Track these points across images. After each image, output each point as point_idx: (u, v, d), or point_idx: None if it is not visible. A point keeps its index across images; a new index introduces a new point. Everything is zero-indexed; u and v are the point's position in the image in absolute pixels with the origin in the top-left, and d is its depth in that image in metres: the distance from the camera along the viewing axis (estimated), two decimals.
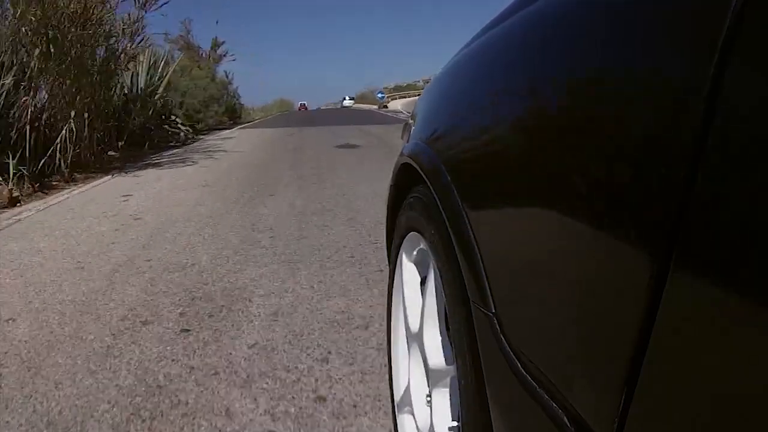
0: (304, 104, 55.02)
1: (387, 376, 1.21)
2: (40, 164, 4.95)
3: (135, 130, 7.93)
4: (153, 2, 6.96)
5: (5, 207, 3.92)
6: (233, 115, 18.90)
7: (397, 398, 1.11)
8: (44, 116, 5.29)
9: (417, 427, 0.96)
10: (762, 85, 0.28)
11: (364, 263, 2.36)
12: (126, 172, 5.73)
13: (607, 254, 0.38)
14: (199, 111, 13.41)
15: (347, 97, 55.83)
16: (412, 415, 0.99)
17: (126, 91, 8.15)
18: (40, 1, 4.98)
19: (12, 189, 4.11)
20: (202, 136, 11.20)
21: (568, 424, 0.42)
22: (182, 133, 9.88)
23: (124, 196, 4.29)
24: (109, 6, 6.06)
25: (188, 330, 1.77)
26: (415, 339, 0.98)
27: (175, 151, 8.13)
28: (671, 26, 0.36)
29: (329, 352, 1.58)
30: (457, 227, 0.67)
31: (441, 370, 0.85)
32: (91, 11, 5.60)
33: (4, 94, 5.02)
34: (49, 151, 5.14)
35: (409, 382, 1.02)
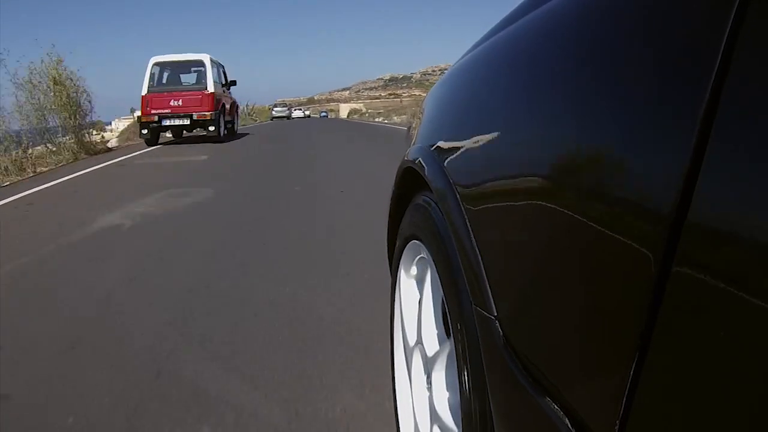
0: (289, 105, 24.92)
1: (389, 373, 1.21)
2: None
3: None
4: None
5: None
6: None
7: (399, 404, 1.10)
8: None
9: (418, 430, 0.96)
10: (764, 86, 0.28)
11: None
12: None
13: (608, 257, 0.39)
14: None
15: None
16: (414, 420, 0.99)
17: None
18: None
19: None
20: None
21: (570, 427, 0.41)
22: None
23: None
24: None
25: None
26: (418, 345, 0.97)
27: None
28: (676, 28, 0.36)
29: None
30: (460, 231, 0.67)
31: (442, 373, 0.85)
32: None
33: None
34: None
35: (411, 386, 1.01)
